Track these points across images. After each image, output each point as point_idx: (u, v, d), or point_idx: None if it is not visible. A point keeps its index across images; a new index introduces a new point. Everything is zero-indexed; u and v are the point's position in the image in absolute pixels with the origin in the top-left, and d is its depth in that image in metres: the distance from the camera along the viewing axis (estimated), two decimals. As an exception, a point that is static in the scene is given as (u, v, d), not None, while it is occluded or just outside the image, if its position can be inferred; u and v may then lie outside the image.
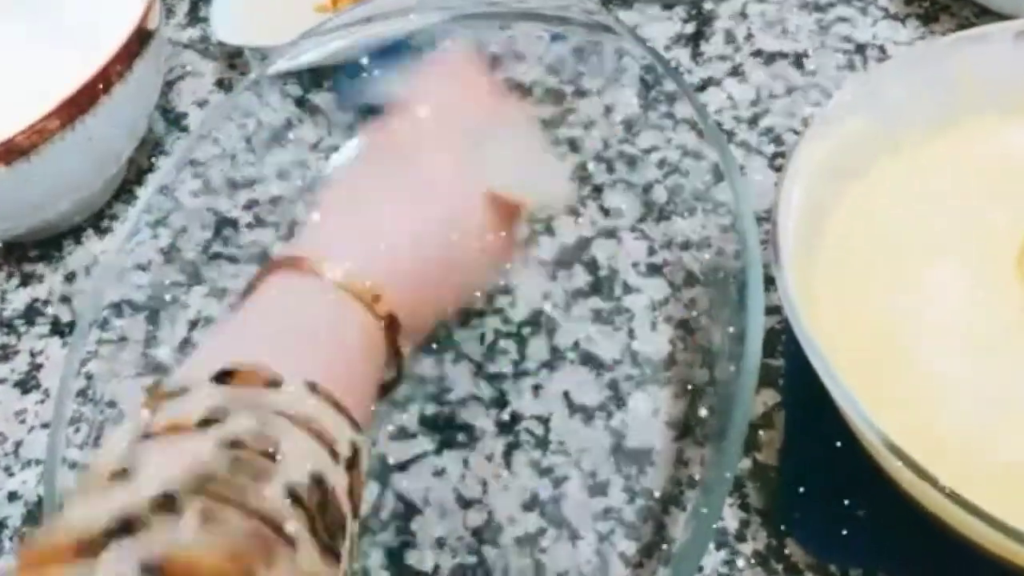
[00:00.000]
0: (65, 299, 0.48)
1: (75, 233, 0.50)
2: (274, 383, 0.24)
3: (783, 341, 0.37)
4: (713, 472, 0.30)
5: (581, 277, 0.41)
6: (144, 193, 0.46)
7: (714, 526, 0.30)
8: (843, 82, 0.44)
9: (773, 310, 0.34)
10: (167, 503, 0.20)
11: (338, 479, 0.24)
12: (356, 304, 0.27)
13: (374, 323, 0.28)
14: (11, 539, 0.39)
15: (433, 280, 0.30)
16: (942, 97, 0.35)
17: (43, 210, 0.46)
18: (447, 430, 0.37)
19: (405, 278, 0.29)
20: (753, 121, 0.45)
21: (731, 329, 0.34)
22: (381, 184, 0.31)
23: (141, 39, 0.45)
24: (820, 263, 0.33)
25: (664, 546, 0.33)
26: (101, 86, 0.43)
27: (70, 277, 0.49)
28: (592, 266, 0.41)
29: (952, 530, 0.27)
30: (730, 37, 0.49)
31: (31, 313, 0.47)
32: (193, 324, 0.42)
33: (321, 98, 0.50)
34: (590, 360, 0.38)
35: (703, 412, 0.36)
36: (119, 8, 0.48)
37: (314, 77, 0.50)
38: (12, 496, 0.41)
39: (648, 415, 0.36)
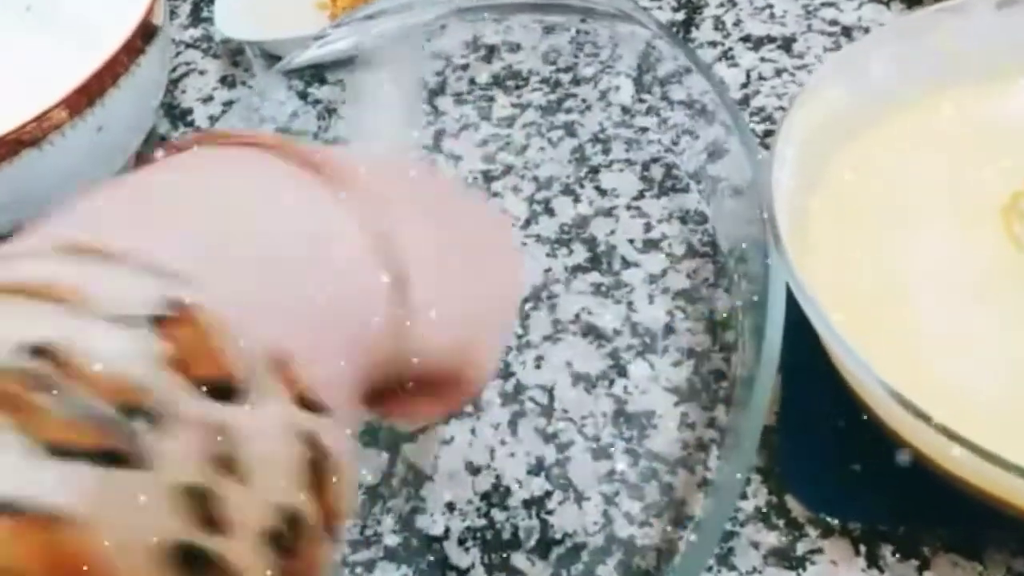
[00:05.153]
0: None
1: (83, 226, 0.51)
2: None
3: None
4: (733, 443, 0.30)
5: (580, 253, 0.42)
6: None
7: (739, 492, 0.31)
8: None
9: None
10: None
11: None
12: None
13: None
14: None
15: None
16: (926, 66, 0.36)
17: (51, 201, 0.47)
18: (454, 401, 0.38)
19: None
20: (744, 102, 0.46)
21: (747, 298, 0.35)
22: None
23: (146, 34, 0.46)
24: (813, 223, 0.34)
25: (675, 507, 0.34)
26: (109, 77, 0.44)
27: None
28: (591, 243, 0.42)
29: (949, 476, 0.28)
30: (719, 23, 0.50)
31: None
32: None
33: (323, 92, 0.51)
34: (591, 331, 0.39)
35: (707, 377, 0.37)
36: (118, 3, 0.49)
37: (317, 72, 0.51)
38: None
39: (648, 381, 0.37)
